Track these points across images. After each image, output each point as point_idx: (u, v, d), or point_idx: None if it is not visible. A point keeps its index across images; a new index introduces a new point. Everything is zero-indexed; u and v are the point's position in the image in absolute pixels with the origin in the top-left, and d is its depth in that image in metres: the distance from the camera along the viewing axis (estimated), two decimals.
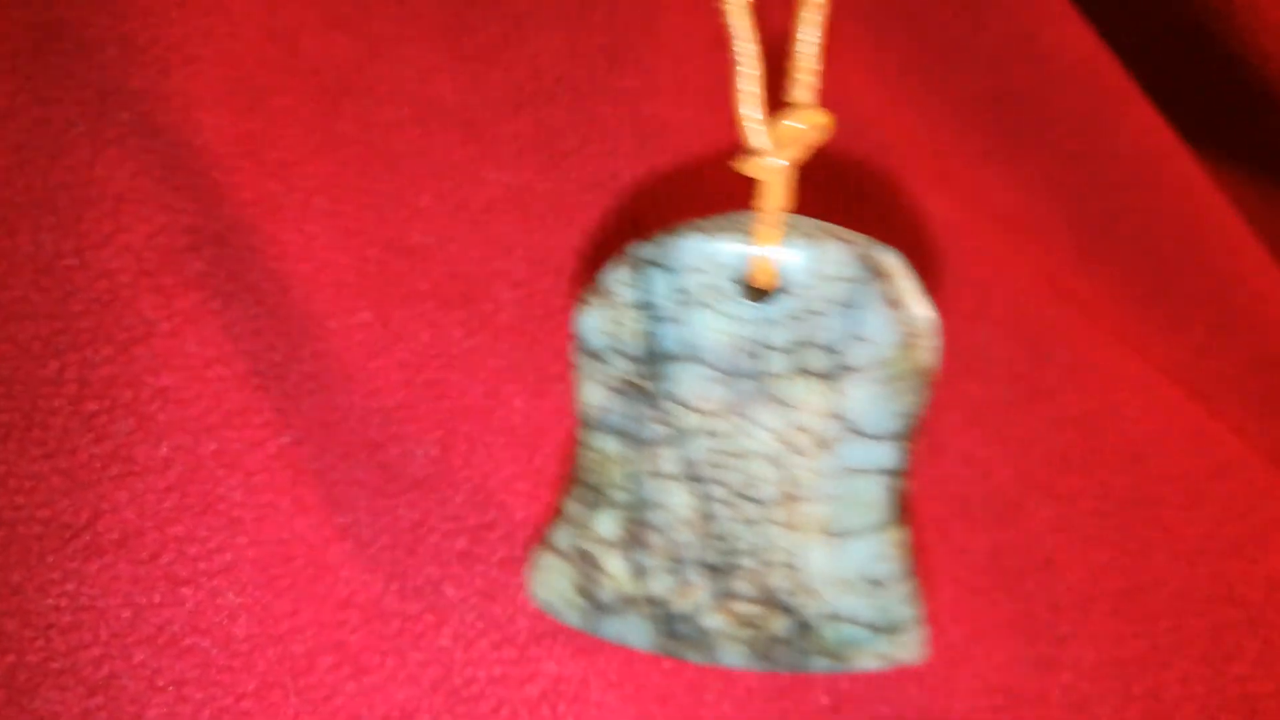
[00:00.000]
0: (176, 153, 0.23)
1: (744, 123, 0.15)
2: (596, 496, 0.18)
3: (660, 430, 0.17)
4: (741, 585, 0.18)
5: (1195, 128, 0.36)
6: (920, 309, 0.16)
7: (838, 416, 0.17)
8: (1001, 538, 0.25)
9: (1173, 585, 0.26)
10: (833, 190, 0.30)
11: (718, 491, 0.17)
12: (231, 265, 0.23)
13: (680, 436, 0.17)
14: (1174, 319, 0.32)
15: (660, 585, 0.19)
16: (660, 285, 0.16)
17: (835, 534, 0.18)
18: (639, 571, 0.19)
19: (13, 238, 0.22)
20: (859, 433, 0.17)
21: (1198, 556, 0.26)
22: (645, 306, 0.16)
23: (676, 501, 0.18)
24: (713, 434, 0.17)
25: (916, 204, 0.30)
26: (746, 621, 0.19)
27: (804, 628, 0.19)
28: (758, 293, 0.16)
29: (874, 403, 0.16)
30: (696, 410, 0.17)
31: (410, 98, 0.27)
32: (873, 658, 0.19)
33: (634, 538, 0.18)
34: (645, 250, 0.16)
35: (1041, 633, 0.24)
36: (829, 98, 0.31)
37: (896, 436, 0.17)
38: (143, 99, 0.23)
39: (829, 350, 0.16)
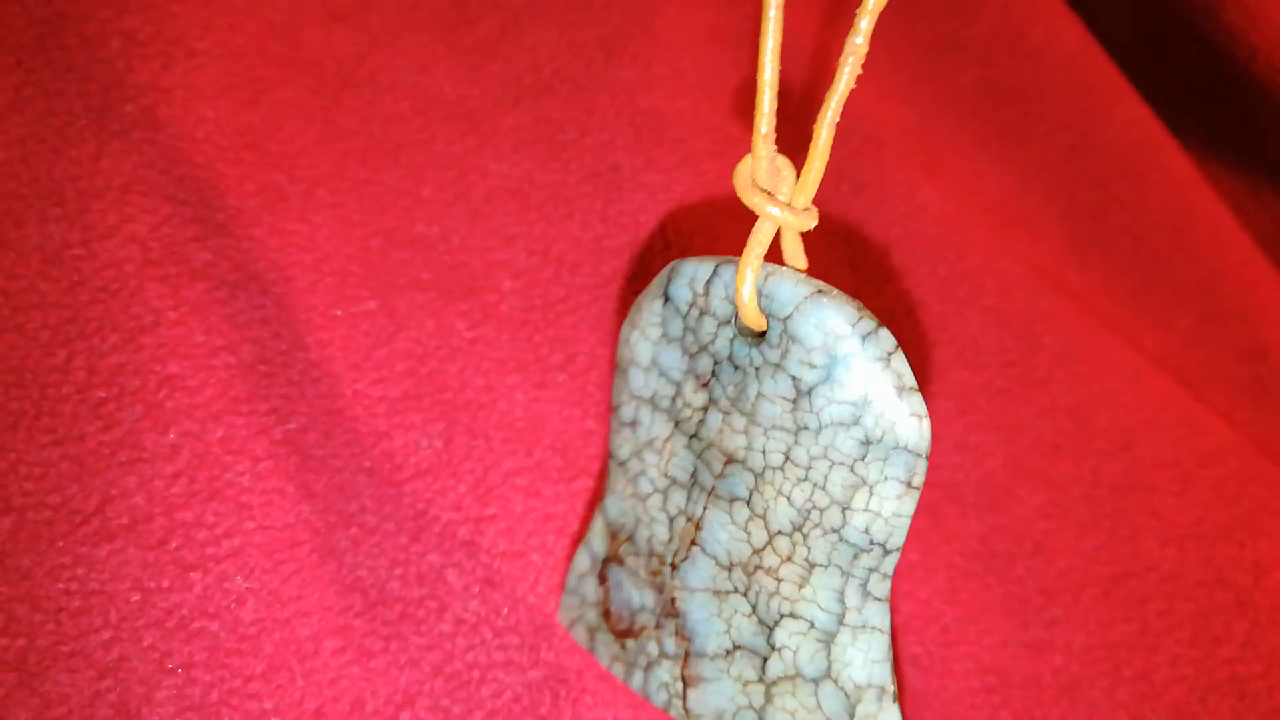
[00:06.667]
0: (180, 145, 0.23)
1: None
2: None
3: None
4: None
5: (1183, 121, 0.36)
6: None
7: None
8: (993, 523, 0.26)
9: (1162, 570, 0.26)
10: (827, 183, 0.30)
11: None
12: (236, 255, 0.23)
13: None
14: (1163, 309, 0.33)
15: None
16: None
17: None
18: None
19: (20, 229, 0.22)
20: None
21: (1187, 541, 0.27)
22: None
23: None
24: None
25: (909, 196, 0.30)
26: None
27: None
28: None
29: None
30: None
31: (410, 90, 0.27)
32: None
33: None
34: None
35: (1033, 616, 0.25)
36: (821, 91, 0.32)
37: None
38: (145, 92, 0.24)
39: None
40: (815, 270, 0.29)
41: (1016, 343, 0.29)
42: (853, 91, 0.33)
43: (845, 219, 0.30)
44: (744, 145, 0.30)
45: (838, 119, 0.16)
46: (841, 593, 0.17)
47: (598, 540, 0.21)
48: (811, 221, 0.17)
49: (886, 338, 0.16)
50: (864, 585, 0.17)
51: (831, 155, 0.31)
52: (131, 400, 0.21)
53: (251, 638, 0.20)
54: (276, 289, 0.23)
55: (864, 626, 0.17)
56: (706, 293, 0.18)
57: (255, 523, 0.21)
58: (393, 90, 0.27)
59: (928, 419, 0.16)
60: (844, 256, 0.29)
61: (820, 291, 0.17)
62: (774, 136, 0.17)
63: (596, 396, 0.25)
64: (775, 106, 0.17)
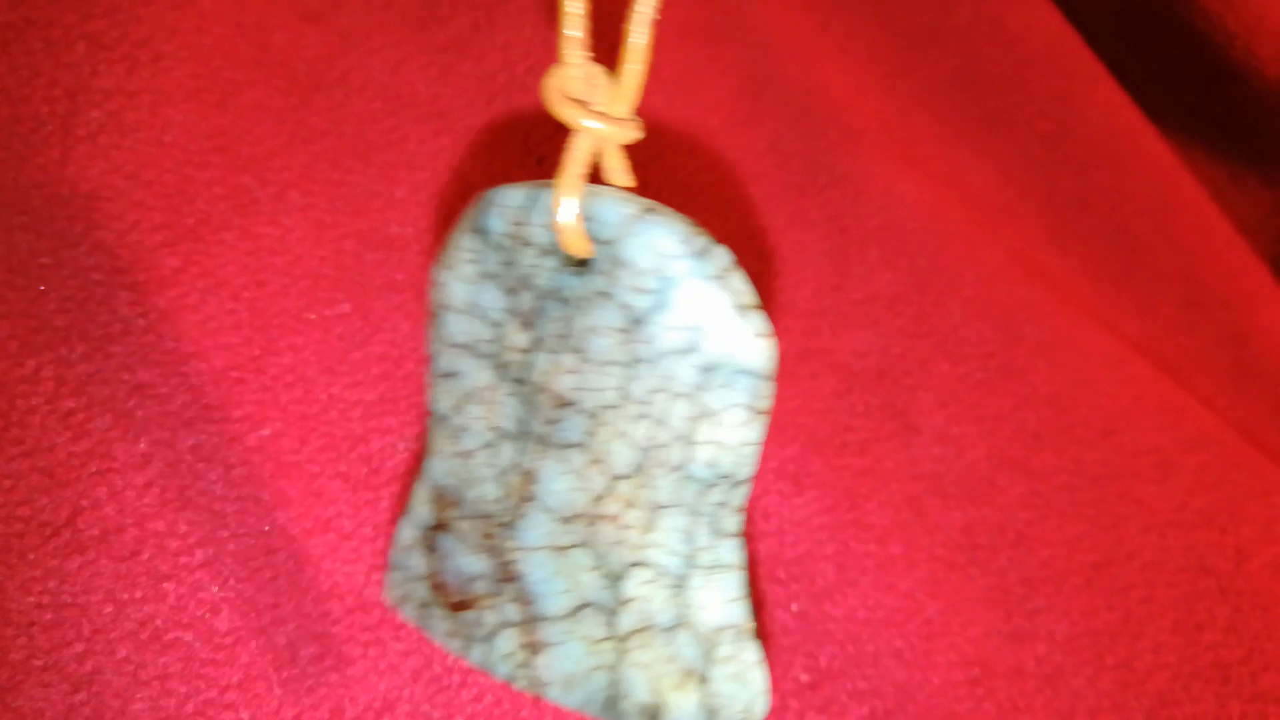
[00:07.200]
0: (148, 149, 0.23)
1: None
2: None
3: None
4: None
5: (1163, 108, 0.36)
6: None
7: None
8: (975, 514, 0.26)
9: (1144, 557, 0.26)
10: (805, 175, 0.30)
11: None
12: (206, 261, 0.23)
13: None
14: (1144, 296, 0.32)
15: None
16: None
17: None
18: None
19: None
20: None
21: (1169, 528, 0.27)
22: None
23: None
24: None
25: (888, 187, 0.30)
26: None
27: None
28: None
29: None
30: None
31: (382, 90, 0.27)
32: None
33: None
34: None
35: (1016, 606, 0.25)
36: (800, 83, 0.31)
37: None
38: (112, 97, 0.23)
39: None
40: (792, 265, 0.29)
41: (997, 333, 0.29)
42: (830, 83, 0.33)
43: (824, 211, 0.30)
44: (722, 139, 0.30)
45: (656, 14, 0.15)
46: (690, 533, 0.16)
47: (422, 508, 0.19)
48: (634, 132, 0.16)
49: (721, 254, 0.15)
50: (714, 522, 0.16)
51: (809, 146, 0.31)
52: (101, 410, 0.21)
53: (227, 647, 0.20)
54: (248, 293, 0.23)
55: (716, 566, 0.16)
56: (525, 221, 0.16)
57: (229, 531, 0.21)
58: (364, 90, 0.26)
59: (772, 338, 0.15)
60: (823, 250, 0.29)
61: (648, 210, 0.15)
62: (585, 41, 0.15)
63: None
64: (587, 8, 0.15)
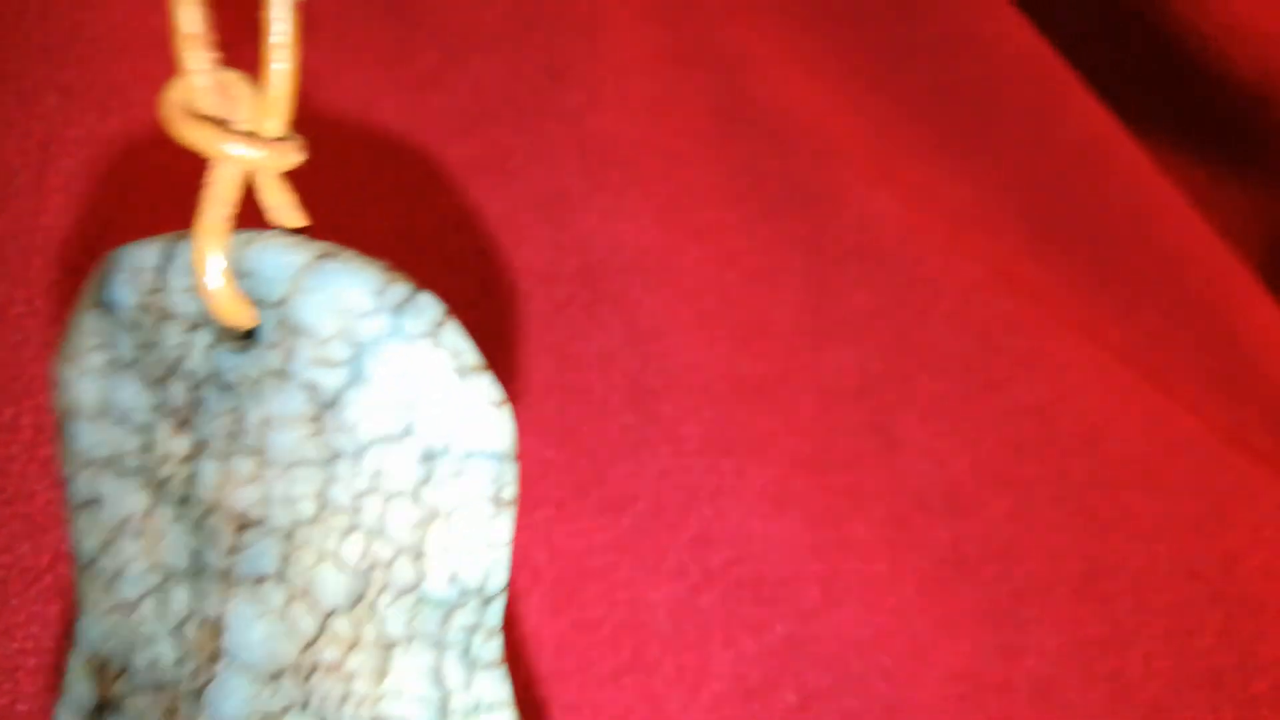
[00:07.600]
0: (122, 195, 0.23)
1: None
2: None
3: None
4: None
5: (1138, 113, 0.36)
6: None
7: None
8: (961, 529, 0.26)
9: (1132, 565, 0.26)
10: (781, 194, 0.30)
11: None
12: None
13: None
14: (1125, 303, 0.33)
15: None
16: None
17: None
18: None
19: None
20: None
21: (1156, 536, 0.27)
22: None
23: None
24: None
25: (865, 205, 0.30)
26: None
27: None
28: None
29: None
30: None
31: (355, 127, 0.27)
32: None
33: None
34: None
35: (1004, 620, 0.25)
36: (773, 103, 0.32)
37: None
38: (84, 145, 0.24)
39: None
40: (765, 288, 0.29)
41: (977, 346, 0.29)
42: (803, 102, 0.33)
43: (799, 231, 0.30)
44: (696, 161, 0.30)
45: None
46: (438, 671, 0.13)
47: (79, 685, 0.14)
48: (294, 154, 0.12)
49: (429, 305, 0.12)
50: (466, 652, 0.12)
51: (784, 166, 0.32)
52: None
53: None
54: None
55: (477, 708, 0.13)
56: (161, 287, 0.13)
57: None
58: (337, 128, 0.27)
59: (506, 404, 0.12)
60: (800, 269, 0.29)
61: (324, 255, 0.12)
62: (212, 39, 0.12)
63: (555, 423, 0.24)
64: None
